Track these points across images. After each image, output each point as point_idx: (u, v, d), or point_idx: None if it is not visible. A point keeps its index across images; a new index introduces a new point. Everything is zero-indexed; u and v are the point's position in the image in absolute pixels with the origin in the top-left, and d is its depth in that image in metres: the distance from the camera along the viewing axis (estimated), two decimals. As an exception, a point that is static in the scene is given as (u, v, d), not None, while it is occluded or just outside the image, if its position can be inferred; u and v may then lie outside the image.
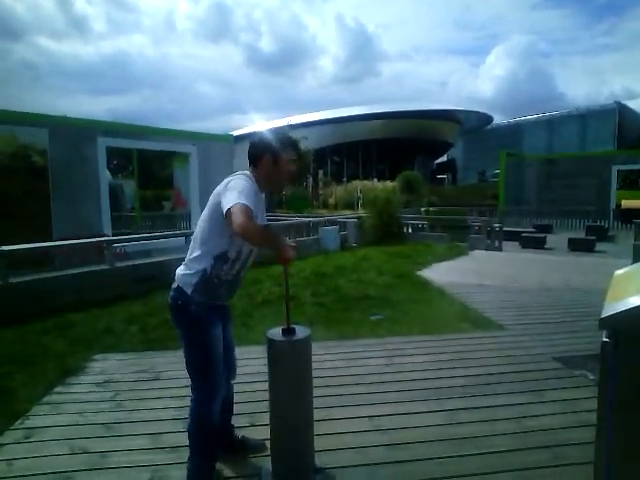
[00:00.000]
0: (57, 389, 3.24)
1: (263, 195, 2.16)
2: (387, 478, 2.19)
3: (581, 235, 12.55)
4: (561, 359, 3.66)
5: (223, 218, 1.84)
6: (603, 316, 1.49)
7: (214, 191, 2.01)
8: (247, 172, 2.04)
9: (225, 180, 1.99)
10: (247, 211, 1.74)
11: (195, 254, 2.01)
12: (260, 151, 2.05)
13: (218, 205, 1.90)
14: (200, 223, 2.05)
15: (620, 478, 1.47)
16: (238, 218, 1.70)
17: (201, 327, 2.00)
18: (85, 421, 2.75)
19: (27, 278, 5.56)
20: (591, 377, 3.28)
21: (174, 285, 2.05)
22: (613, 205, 17.74)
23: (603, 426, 1.49)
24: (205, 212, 2.03)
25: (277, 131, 2.31)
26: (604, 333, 1.48)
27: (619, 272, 2.11)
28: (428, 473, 2.22)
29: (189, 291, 1.97)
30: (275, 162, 2.04)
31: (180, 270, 2.06)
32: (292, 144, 2.16)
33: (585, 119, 50.14)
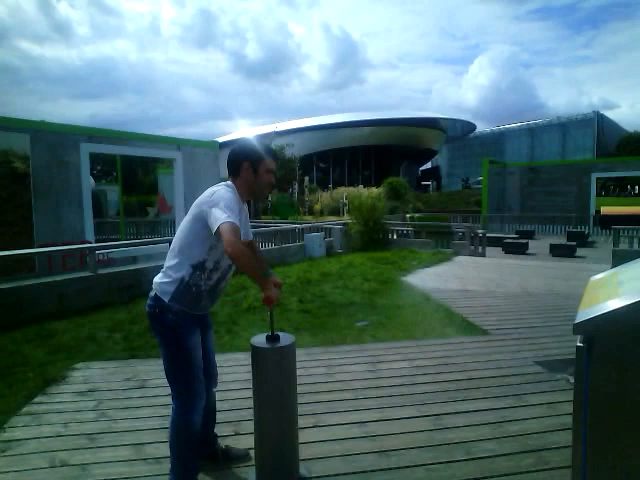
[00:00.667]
0: (37, 399, 3.17)
1: (245, 205, 2.17)
2: (374, 485, 2.19)
3: (562, 241, 12.79)
4: (543, 363, 3.71)
5: (205, 229, 1.87)
6: (577, 321, 1.53)
7: (196, 201, 2.01)
8: (229, 182, 2.05)
9: (208, 191, 1.99)
10: (237, 231, 1.78)
11: (173, 262, 2.00)
12: (239, 160, 2.05)
13: (200, 215, 1.92)
14: (179, 231, 2.04)
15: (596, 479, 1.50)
16: (230, 241, 1.73)
17: (179, 335, 1.98)
18: (67, 432, 2.69)
19: (7, 285, 5.43)
20: (572, 381, 3.33)
21: (151, 293, 2.02)
22: (593, 211, 18.15)
23: (578, 429, 1.52)
24: (185, 221, 2.02)
25: (256, 139, 2.29)
26: (578, 338, 1.53)
27: (594, 278, 2.16)
28: (417, 479, 2.22)
29: (166, 299, 1.95)
30: (255, 171, 2.04)
31: (158, 278, 2.04)
32: (271, 152, 2.15)
33: (566, 128, 51.39)
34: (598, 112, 50.85)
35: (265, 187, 2.11)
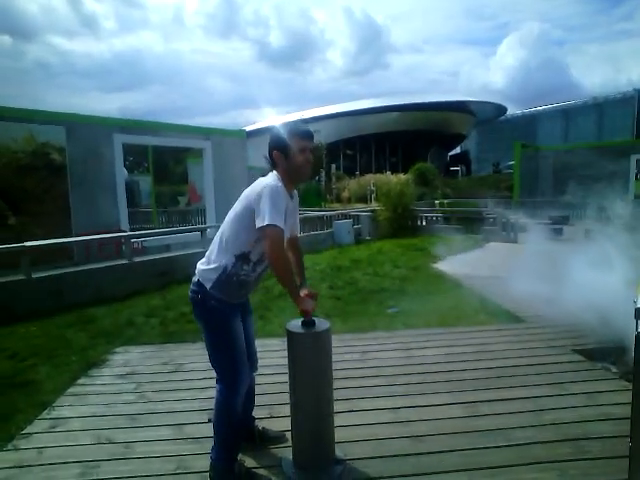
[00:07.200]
0: (81, 381, 3.32)
1: (295, 194, 2.15)
2: (408, 470, 2.19)
3: (599, 226, 12.30)
4: (582, 352, 3.61)
5: (253, 221, 1.89)
6: (639, 306, 1.46)
7: (246, 191, 2.02)
8: (275, 173, 2.04)
9: (259, 183, 1.99)
10: (280, 236, 1.85)
11: (217, 250, 2.03)
12: (270, 151, 2.05)
13: (248, 207, 1.94)
14: (226, 221, 2.06)
15: None
16: (272, 248, 1.83)
17: (221, 321, 2.02)
18: (110, 412, 2.81)
19: (49, 273, 5.67)
20: (614, 370, 3.23)
21: (194, 279, 2.06)
22: (632, 196, 17.36)
23: (639, 418, 1.46)
24: (234, 210, 2.04)
25: (284, 123, 2.13)
26: (638, 324, 1.45)
27: None
28: (450, 465, 2.21)
29: (208, 286, 1.99)
30: (286, 156, 2.02)
31: (201, 264, 2.08)
32: (299, 132, 2.05)
33: (602, 108, 49.07)
34: (639, 90, 48.25)
35: (300, 169, 2.04)
